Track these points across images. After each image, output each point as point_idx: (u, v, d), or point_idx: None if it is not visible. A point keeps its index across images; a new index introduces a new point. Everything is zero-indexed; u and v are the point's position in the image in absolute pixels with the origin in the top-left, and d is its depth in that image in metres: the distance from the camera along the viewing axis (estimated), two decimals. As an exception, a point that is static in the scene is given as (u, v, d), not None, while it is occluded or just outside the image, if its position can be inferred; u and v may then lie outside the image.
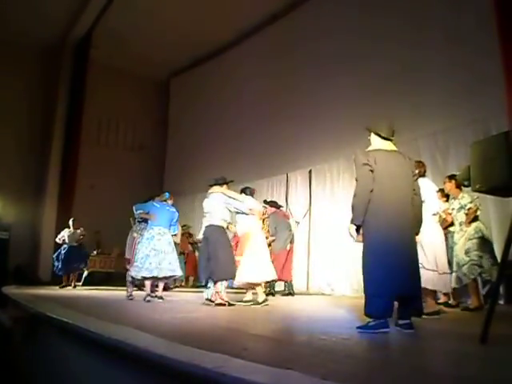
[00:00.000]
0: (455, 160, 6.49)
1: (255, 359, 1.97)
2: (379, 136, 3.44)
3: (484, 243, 4.96)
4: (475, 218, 5.05)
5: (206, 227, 5.52)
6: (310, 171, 9.18)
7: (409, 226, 3.32)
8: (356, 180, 3.28)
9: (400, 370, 2.04)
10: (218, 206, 5.50)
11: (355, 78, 8.24)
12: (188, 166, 12.35)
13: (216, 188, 5.65)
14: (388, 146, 3.44)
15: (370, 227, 3.15)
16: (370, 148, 3.48)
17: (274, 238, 7.01)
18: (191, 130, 12.77)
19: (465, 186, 4.75)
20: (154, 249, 5.86)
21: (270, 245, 6.65)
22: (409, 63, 7.35)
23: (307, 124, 9.15)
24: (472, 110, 6.32)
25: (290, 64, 9.82)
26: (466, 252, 4.94)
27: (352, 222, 3.18)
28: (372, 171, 3.21)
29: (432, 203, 4.38)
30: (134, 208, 6.45)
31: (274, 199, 9.20)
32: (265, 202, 7.46)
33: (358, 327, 3.17)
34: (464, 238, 5.02)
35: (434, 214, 4.40)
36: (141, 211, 6.37)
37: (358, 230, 3.24)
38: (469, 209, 5.01)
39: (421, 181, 4.47)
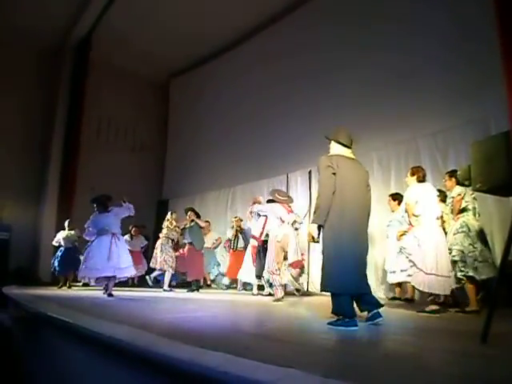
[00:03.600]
0: (455, 160, 6.49)
1: (257, 358, 1.97)
2: (340, 144, 3.66)
3: (468, 238, 4.78)
4: (463, 210, 4.90)
5: None
6: (310, 171, 9.17)
7: (365, 229, 3.55)
8: (319, 182, 3.49)
9: (401, 368, 2.04)
10: None
11: (355, 78, 8.22)
12: (188, 166, 12.35)
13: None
14: (348, 153, 3.66)
15: (333, 229, 3.31)
16: (331, 153, 3.68)
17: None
18: (191, 130, 12.75)
19: (465, 185, 4.78)
20: None
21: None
22: (408, 63, 7.34)
23: (307, 124, 9.11)
24: (472, 110, 6.31)
25: (291, 65, 9.80)
26: (449, 248, 4.76)
27: (314, 221, 3.33)
28: (334, 174, 3.40)
29: (434, 207, 4.42)
30: None
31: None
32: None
33: (328, 323, 3.33)
34: (451, 233, 4.89)
35: (438, 218, 4.43)
36: None
37: (318, 230, 3.39)
38: (453, 198, 4.92)
39: (421, 186, 4.55)
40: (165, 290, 8.11)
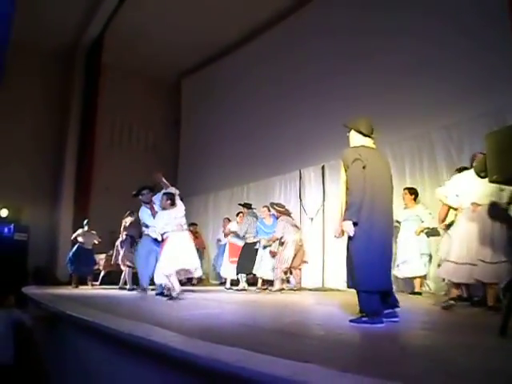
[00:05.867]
0: (470, 153, 6.35)
1: (273, 353, 1.99)
2: (360, 133, 3.49)
3: None
4: None
5: None
6: (323, 167, 9.14)
7: (392, 223, 3.50)
8: (348, 177, 3.29)
9: (422, 363, 2.04)
10: None
11: (368, 72, 8.15)
12: (201, 165, 12.39)
13: None
14: (370, 143, 3.50)
15: (364, 225, 3.19)
16: (353, 145, 3.51)
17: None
18: (203, 129, 12.80)
19: (481, 177, 4.73)
20: None
21: None
22: (421, 57, 7.24)
23: (320, 119, 9.07)
24: (486, 102, 6.20)
25: (303, 59, 9.76)
26: None
27: (349, 219, 3.19)
28: (364, 167, 3.24)
29: (468, 194, 4.38)
30: None
31: (288, 196, 9.65)
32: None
33: (350, 320, 3.24)
34: None
35: (472, 204, 4.38)
36: None
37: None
38: None
39: (454, 178, 4.61)
40: (129, 290, 7.76)
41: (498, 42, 5.88)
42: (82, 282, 8.99)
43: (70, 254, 8.98)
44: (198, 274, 6.24)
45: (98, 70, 12.22)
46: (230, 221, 9.49)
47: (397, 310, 3.33)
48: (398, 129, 7.18)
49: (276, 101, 10.35)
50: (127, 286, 7.86)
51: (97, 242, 9.10)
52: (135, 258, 7.09)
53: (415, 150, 7.32)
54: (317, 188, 9.20)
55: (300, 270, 7.85)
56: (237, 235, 8.03)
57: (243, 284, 7.91)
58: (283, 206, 7.77)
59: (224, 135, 11.87)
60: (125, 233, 8.34)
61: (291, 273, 7.72)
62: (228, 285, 8.19)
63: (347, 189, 3.29)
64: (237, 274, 7.97)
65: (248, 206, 8.30)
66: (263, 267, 7.48)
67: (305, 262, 7.76)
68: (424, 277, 6.32)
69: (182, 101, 14.31)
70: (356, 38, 8.55)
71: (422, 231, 6.27)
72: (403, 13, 7.70)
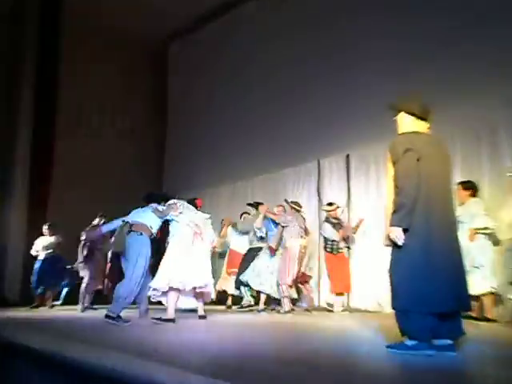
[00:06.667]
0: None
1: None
2: (413, 115, 3.48)
3: None
4: None
5: None
6: (348, 156, 9.09)
7: (454, 227, 3.45)
8: (398, 172, 3.27)
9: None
10: None
11: (406, 37, 8.11)
12: (193, 154, 12.41)
13: None
14: (424, 128, 3.49)
15: (419, 231, 3.17)
16: (403, 131, 3.49)
17: None
18: (198, 109, 12.76)
19: None
20: None
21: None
22: (459, 21, 7.30)
23: (344, 97, 9.05)
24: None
25: (324, 29, 9.71)
26: None
27: (399, 224, 3.17)
28: (418, 159, 3.24)
29: None
30: None
31: (302, 193, 9.82)
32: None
33: (388, 346, 3.25)
34: None
35: None
36: None
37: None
38: None
39: None
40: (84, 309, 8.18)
41: None
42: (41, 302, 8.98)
43: (35, 271, 8.94)
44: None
45: (58, 30, 11.98)
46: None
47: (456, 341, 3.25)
48: (445, 106, 7.03)
49: (289, 73, 10.36)
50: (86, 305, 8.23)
51: (58, 241, 9.12)
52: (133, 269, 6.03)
53: (470, 134, 7.26)
54: (339, 183, 9.21)
55: (307, 283, 8.06)
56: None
57: (248, 298, 8.10)
58: (300, 206, 7.89)
59: (224, 117, 11.87)
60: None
61: (298, 288, 7.86)
62: (229, 302, 8.41)
63: (396, 187, 3.27)
64: (237, 288, 8.07)
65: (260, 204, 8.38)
66: (263, 280, 7.55)
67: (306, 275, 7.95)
68: (490, 295, 6.12)
69: (169, 72, 14.31)
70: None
71: (476, 233, 6.14)
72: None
